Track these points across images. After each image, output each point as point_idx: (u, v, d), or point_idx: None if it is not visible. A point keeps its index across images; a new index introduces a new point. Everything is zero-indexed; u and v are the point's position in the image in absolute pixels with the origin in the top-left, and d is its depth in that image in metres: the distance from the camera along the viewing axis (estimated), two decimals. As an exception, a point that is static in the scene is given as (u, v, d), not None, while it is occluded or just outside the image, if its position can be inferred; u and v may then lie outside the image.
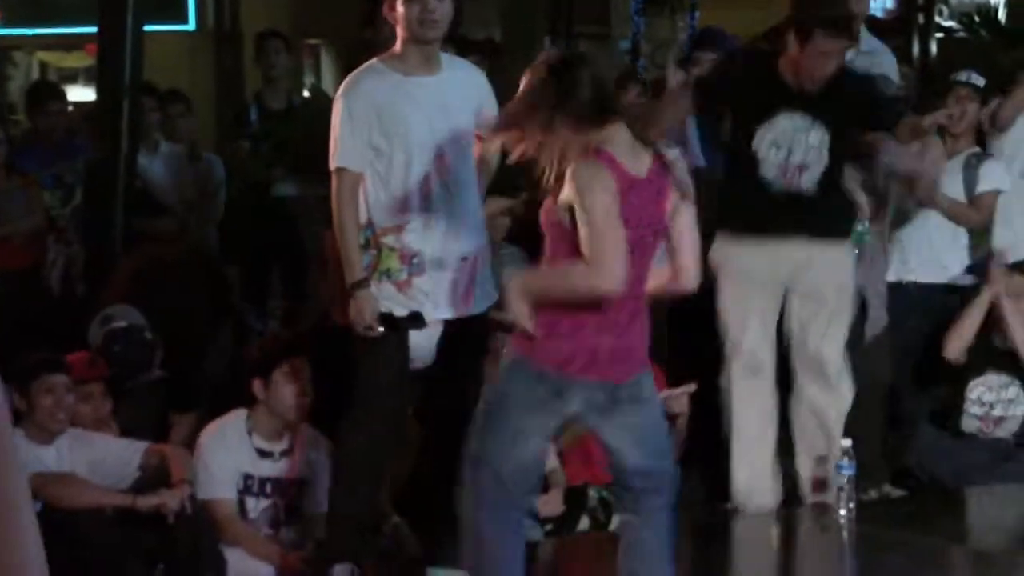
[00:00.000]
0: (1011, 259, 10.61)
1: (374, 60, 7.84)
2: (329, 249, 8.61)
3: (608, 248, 6.32)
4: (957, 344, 10.10)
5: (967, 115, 10.73)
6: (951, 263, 10.88)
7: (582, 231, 6.42)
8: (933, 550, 9.21)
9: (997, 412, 10.22)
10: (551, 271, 6.76)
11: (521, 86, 6.76)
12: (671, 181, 6.71)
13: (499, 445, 6.70)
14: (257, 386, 8.53)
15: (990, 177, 10.76)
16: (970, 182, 10.73)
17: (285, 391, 8.49)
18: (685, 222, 6.82)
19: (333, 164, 7.65)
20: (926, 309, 10.75)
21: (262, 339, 9.67)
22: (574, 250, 6.52)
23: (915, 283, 10.80)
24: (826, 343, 9.28)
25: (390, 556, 8.55)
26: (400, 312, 7.56)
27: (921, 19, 16.63)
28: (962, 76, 11.00)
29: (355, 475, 7.89)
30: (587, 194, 6.38)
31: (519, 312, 6.51)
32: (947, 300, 10.74)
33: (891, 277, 10.72)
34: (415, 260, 7.59)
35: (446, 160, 7.65)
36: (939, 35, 22.95)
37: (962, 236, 10.90)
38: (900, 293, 10.75)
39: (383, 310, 7.53)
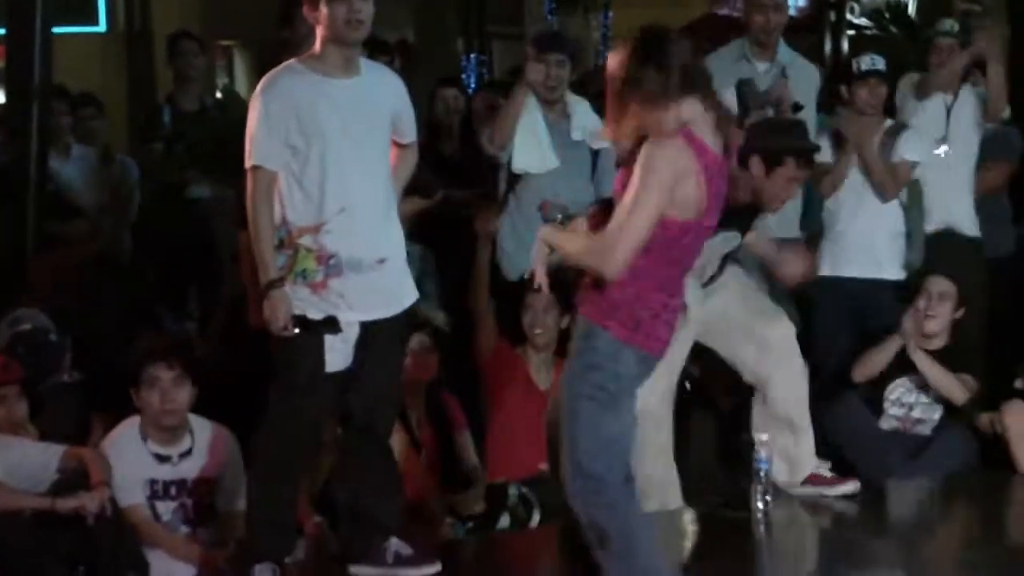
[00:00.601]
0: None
1: (293, 60, 7.76)
2: (242, 250, 8.58)
3: (625, 238, 6.26)
4: (863, 372, 10.21)
5: (878, 96, 10.87)
6: (885, 259, 10.90)
7: (616, 213, 6.37)
8: (851, 542, 9.25)
9: (916, 414, 10.33)
10: (574, 235, 6.74)
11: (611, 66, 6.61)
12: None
13: (623, 430, 6.59)
14: (134, 394, 8.54)
15: (907, 147, 10.85)
16: (888, 151, 10.85)
17: (151, 398, 8.47)
18: None
19: (248, 162, 7.55)
20: (857, 304, 10.84)
21: (134, 345, 9.62)
22: None
23: (849, 278, 10.87)
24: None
25: (311, 555, 8.58)
26: (315, 315, 7.52)
27: (833, 17, 16.79)
28: (865, 62, 11.03)
29: (272, 476, 7.84)
30: (651, 175, 6.33)
31: (539, 262, 6.71)
32: (880, 295, 10.81)
33: (825, 271, 10.77)
34: (332, 261, 7.53)
35: (363, 162, 7.63)
36: (851, 32, 23.14)
37: (900, 234, 10.95)
38: (833, 287, 10.83)
39: (297, 312, 7.48)
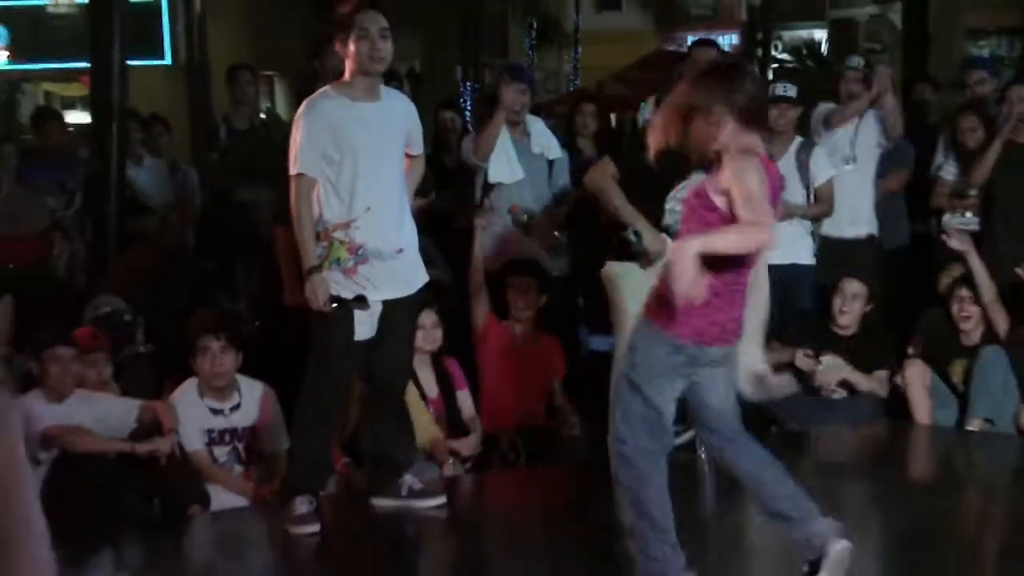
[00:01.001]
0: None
1: (328, 87, 7.80)
2: (279, 243, 8.79)
3: (766, 212, 6.10)
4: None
5: (788, 118, 10.89)
6: (800, 250, 10.88)
7: (741, 205, 6.10)
8: None
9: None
10: (719, 233, 6.18)
11: (683, 83, 6.41)
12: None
13: (651, 409, 6.39)
14: (191, 361, 8.72)
15: (820, 167, 10.94)
16: (805, 176, 10.90)
17: (203, 364, 8.66)
18: None
19: (293, 171, 7.60)
20: (779, 287, 10.36)
21: (189, 321, 9.79)
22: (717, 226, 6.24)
23: (773, 265, 10.81)
24: None
25: (340, 489, 8.73)
26: (347, 295, 7.58)
27: (760, 52, 16.90)
28: (778, 89, 11.08)
29: (311, 425, 7.85)
30: (750, 176, 6.11)
31: (691, 278, 6.03)
32: (798, 278, 10.79)
33: None
34: (360, 251, 7.59)
35: (384, 170, 7.68)
36: (775, 65, 23.26)
37: (808, 229, 11.02)
38: None
39: (333, 292, 7.53)
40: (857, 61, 11.59)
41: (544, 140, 10.80)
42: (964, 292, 10.32)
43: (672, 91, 6.52)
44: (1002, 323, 10.23)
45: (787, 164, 10.78)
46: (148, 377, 9.60)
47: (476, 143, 10.58)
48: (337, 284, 7.61)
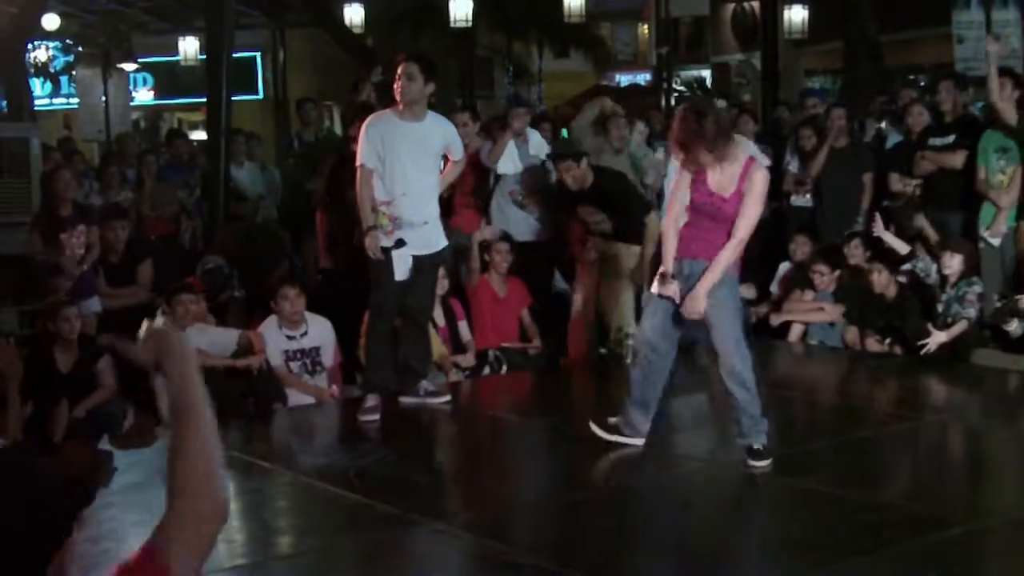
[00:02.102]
0: None
1: (386, 110, 7.83)
2: (319, 221, 9.29)
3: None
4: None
5: None
6: None
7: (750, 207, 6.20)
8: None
9: None
10: (720, 264, 6.23)
11: (676, 125, 6.33)
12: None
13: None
14: (272, 304, 8.61)
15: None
16: None
17: (284, 306, 8.52)
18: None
19: (358, 162, 7.64)
20: None
21: (270, 277, 9.76)
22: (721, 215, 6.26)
23: None
24: None
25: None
26: (388, 244, 7.57)
27: (665, 85, 16.87)
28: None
29: (375, 341, 7.89)
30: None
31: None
32: None
33: None
34: (397, 221, 7.59)
35: (415, 168, 7.61)
36: (676, 94, 23.21)
37: None
38: None
39: (382, 244, 7.56)
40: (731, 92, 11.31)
41: (537, 146, 10.69)
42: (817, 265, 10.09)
43: None
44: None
45: None
46: (242, 313, 9.56)
47: (491, 152, 10.39)
48: (383, 239, 7.60)
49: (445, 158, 7.99)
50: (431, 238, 7.80)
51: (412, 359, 8.04)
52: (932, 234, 9.97)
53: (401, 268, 7.65)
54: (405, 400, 8.03)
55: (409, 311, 7.94)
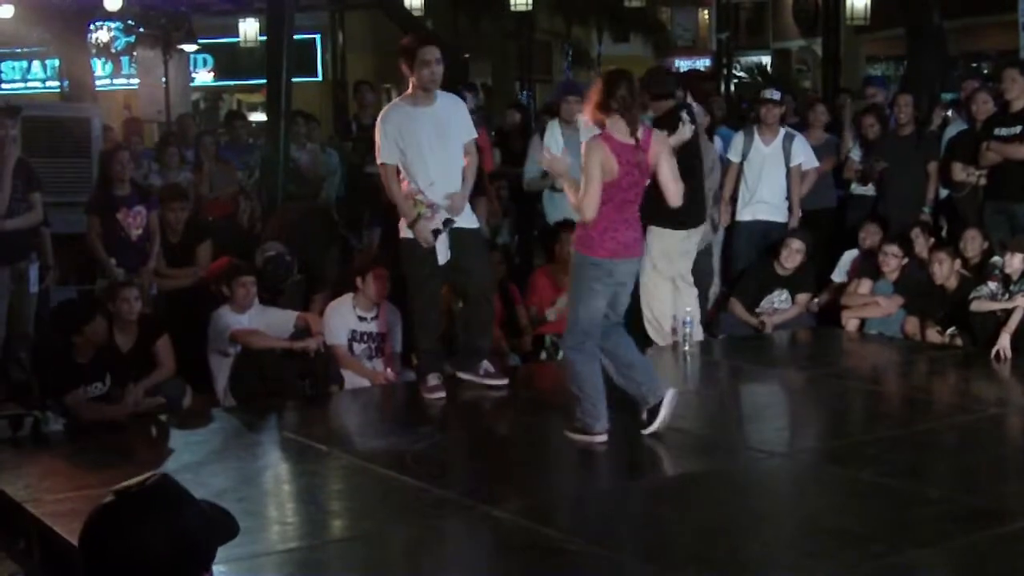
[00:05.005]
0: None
1: (396, 99, 7.93)
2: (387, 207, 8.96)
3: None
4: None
5: (772, 114, 10.66)
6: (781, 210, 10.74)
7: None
8: (740, 369, 9.20)
9: (776, 306, 10.22)
10: None
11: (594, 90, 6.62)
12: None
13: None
14: (359, 281, 8.60)
15: (797, 153, 10.70)
16: (787, 152, 10.65)
17: (374, 285, 8.55)
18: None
19: (378, 161, 7.79)
20: (764, 237, 10.63)
21: (361, 254, 9.78)
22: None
23: (760, 220, 10.67)
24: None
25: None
26: (436, 226, 7.62)
27: (725, 72, 16.79)
28: (766, 93, 10.98)
29: (421, 328, 7.96)
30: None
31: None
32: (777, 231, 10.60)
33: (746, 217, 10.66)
34: (433, 206, 7.62)
35: (439, 154, 7.66)
36: (736, 81, 23.06)
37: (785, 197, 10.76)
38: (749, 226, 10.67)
39: (432, 227, 7.60)
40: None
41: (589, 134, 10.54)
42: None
43: None
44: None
45: (775, 149, 10.61)
46: (300, 297, 9.53)
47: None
48: (430, 225, 7.66)
49: None
50: (463, 217, 7.84)
51: (475, 337, 8.08)
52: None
53: (443, 251, 7.72)
54: (464, 376, 8.10)
55: (471, 290, 7.96)
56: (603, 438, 6.65)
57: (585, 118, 6.70)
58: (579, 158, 10.29)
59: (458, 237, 7.77)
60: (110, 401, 7.70)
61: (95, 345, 7.69)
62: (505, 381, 8.12)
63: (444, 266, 7.75)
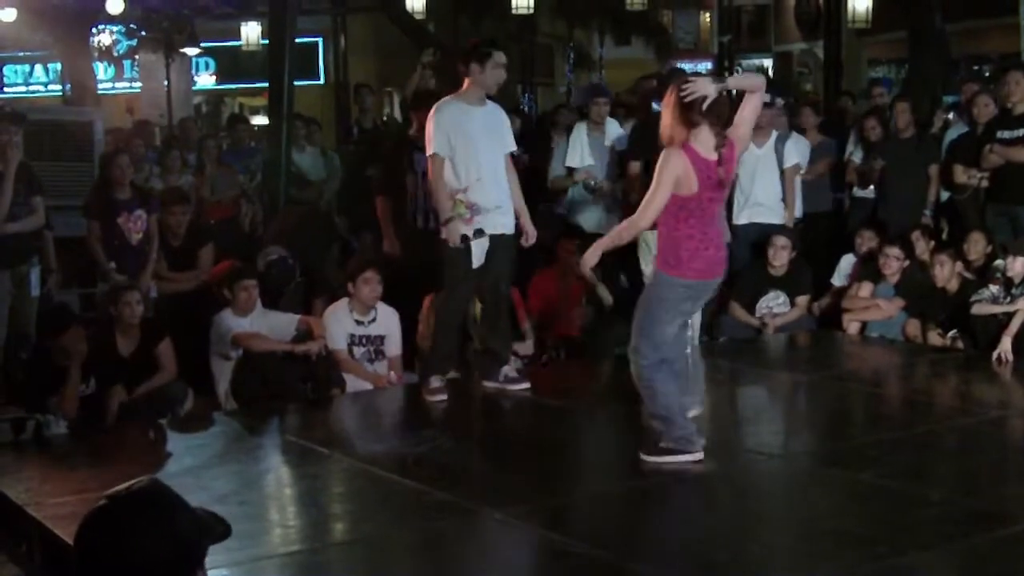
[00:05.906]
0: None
1: (450, 96, 7.87)
2: (381, 208, 9.34)
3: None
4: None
5: (763, 116, 10.53)
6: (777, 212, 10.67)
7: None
8: (738, 370, 9.26)
9: (775, 310, 10.20)
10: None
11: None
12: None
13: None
14: (350, 287, 8.60)
15: (790, 152, 10.70)
16: (780, 153, 10.65)
17: (364, 289, 8.53)
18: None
19: (429, 151, 7.70)
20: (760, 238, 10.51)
21: (349, 259, 9.77)
22: None
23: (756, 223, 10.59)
24: None
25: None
26: (468, 232, 7.66)
27: (726, 74, 16.80)
28: (766, 99, 10.94)
29: (444, 330, 7.98)
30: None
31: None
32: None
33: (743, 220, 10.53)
34: (474, 207, 7.67)
35: (486, 154, 7.73)
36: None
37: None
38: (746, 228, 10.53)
39: (461, 232, 7.63)
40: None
41: (616, 137, 10.63)
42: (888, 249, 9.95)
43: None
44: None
45: (767, 151, 10.59)
46: (301, 300, 9.58)
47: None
48: (462, 228, 7.68)
49: None
50: (504, 220, 7.87)
51: (494, 342, 8.12)
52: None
53: (478, 256, 7.75)
54: (487, 383, 8.11)
55: (488, 278, 7.93)
56: (701, 455, 6.29)
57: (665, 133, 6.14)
58: (602, 160, 10.60)
59: (494, 240, 7.84)
60: (96, 403, 7.69)
61: (75, 354, 7.66)
62: (527, 384, 8.11)
63: (478, 269, 7.80)
